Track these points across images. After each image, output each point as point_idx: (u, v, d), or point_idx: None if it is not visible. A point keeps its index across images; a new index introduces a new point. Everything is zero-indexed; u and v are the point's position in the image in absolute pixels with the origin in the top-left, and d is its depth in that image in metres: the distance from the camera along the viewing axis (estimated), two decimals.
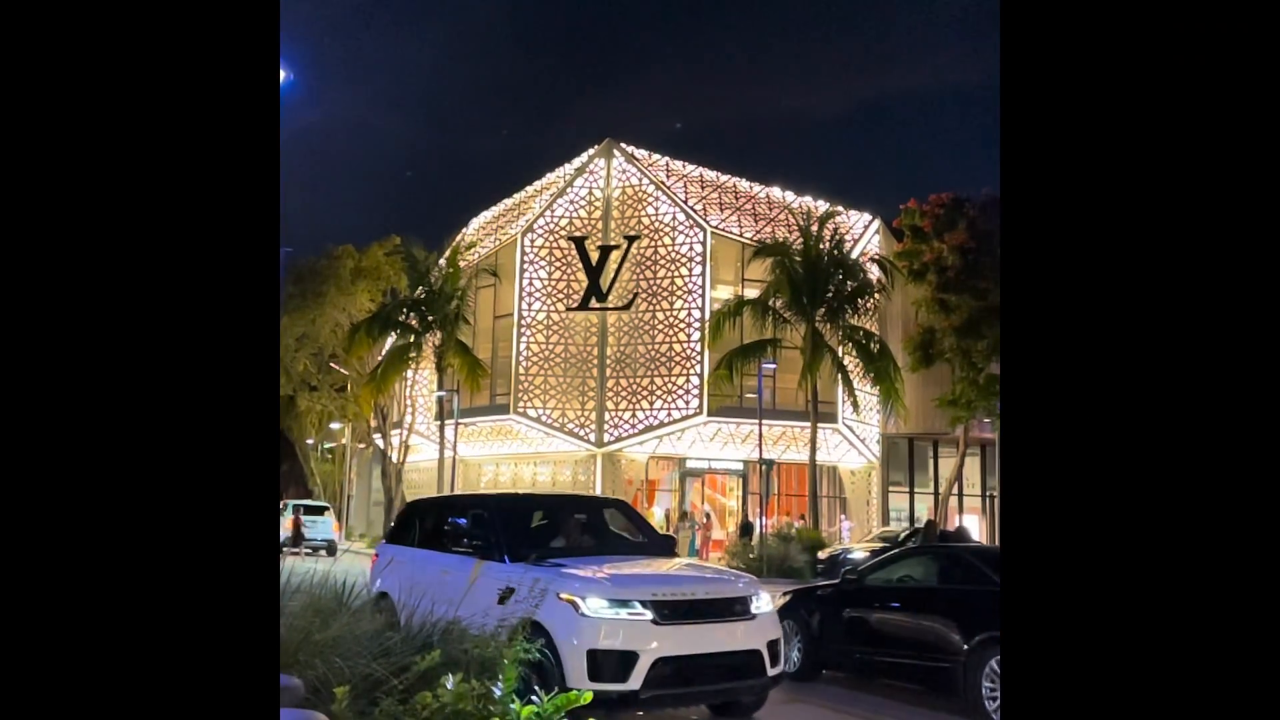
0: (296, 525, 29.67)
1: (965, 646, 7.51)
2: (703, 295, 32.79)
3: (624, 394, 33.30)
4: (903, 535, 22.07)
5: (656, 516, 31.10)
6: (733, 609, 6.57)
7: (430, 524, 9.00)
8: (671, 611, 6.24)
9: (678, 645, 6.19)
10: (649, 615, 6.15)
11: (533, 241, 34.69)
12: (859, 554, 20.14)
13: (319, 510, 33.39)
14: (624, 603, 6.19)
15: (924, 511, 37.48)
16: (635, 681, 6.00)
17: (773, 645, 6.62)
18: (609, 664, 6.03)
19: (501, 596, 6.55)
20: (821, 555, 21.96)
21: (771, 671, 6.58)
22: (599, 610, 6.14)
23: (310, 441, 43.97)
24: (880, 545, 20.87)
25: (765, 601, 6.78)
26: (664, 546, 8.50)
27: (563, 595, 6.23)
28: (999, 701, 7.13)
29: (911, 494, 38.06)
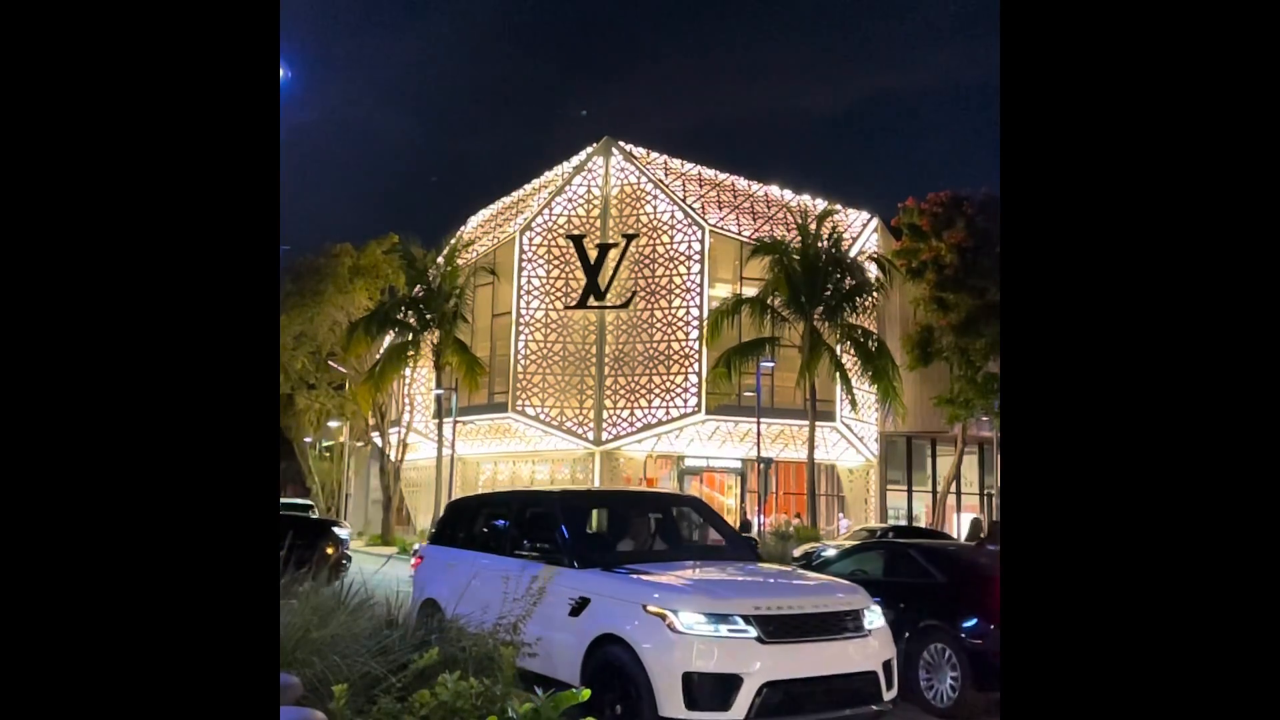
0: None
1: (905, 635, 7.78)
2: (701, 293, 32.83)
3: (622, 392, 33.31)
4: (880, 532, 22.05)
5: None
6: (845, 624, 5.74)
7: (482, 524, 8.18)
8: (778, 628, 5.42)
9: (786, 667, 5.37)
10: (753, 632, 5.33)
11: (531, 240, 34.69)
12: (832, 551, 20.19)
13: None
14: (723, 617, 5.37)
15: (923, 509, 37.58)
16: (739, 710, 5.21)
17: (888, 666, 5.85)
18: (708, 689, 5.23)
19: (574, 607, 5.87)
20: (796, 553, 22.04)
21: (887, 696, 5.78)
22: (695, 626, 5.32)
23: (308, 440, 43.94)
24: (857, 543, 20.85)
25: (878, 615, 6.02)
26: (746, 550, 7.52)
27: (650, 608, 5.47)
28: (931, 685, 7.69)
29: (910, 492, 38.11)
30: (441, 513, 9.29)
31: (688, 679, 5.23)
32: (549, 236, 34.75)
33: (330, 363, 38.91)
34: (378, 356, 33.25)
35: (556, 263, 34.46)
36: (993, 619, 7.28)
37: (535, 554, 6.62)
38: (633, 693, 5.36)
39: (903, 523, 33.79)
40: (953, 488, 34.10)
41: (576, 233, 34.39)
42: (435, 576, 7.60)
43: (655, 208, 34.43)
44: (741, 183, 37.70)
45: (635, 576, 5.95)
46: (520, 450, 35.96)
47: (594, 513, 7.83)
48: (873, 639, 5.81)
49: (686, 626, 5.32)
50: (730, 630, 5.34)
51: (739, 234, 33.89)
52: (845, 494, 37.30)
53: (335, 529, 15.36)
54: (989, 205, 28.20)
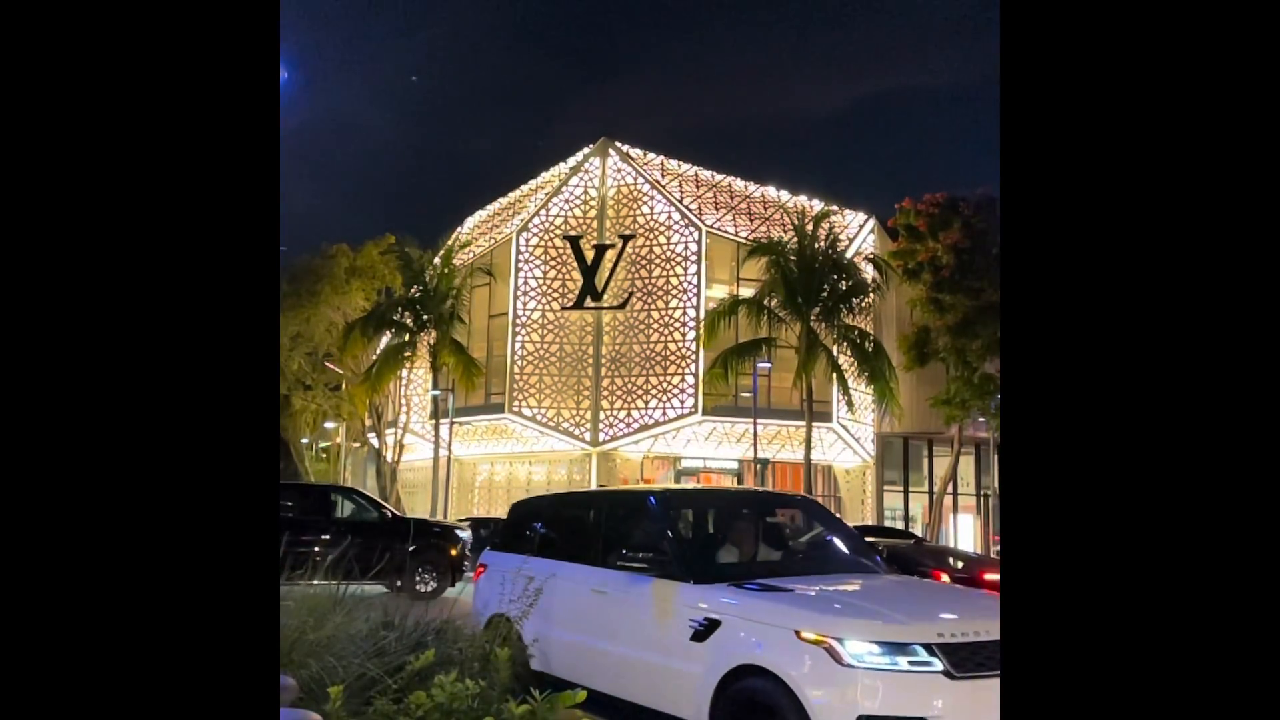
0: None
1: None
2: (698, 294, 32.87)
3: (619, 393, 33.33)
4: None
5: None
6: None
7: (562, 528, 7.12)
8: (965, 659, 4.47)
9: (978, 708, 4.34)
10: (938, 665, 4.41)
11: (528, 240, 34.70)
12: None
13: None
14: (902, 647, 4.45)
15: (919, 510, 37.61)
16: None
17: None
18: None
19: (699, 631, 5.03)
20: None
21: None
22: (867, 657, 4.43)
23: (305, 440, 43.89)
24: None
25: None
26: (876, 561, 6.44)
27: (806, 634, 4.56)
28: None
29: (906, 493, 38.14)
30: (507, 514, 8.10)
31: None
32: (546, 237, 34.76)
33: (327, 363, 38.87)
34: (374, 357, 33.20)
35: (553, 264, 34.47)
36: None
37: (641, 565, 5.66)
38: None
39: (899, 524, 33.85)
40: (949, 488, 34.14)
41: (573, 234, 34.40)
42: (507, 590, 6.43)
43: (652, 208, 34.45)
44: (738, 183, 37.73)
45: (777, 593, 5.04)
46: (517, 451, 35.95)
47: (690, 515, 6.89)
48: None
49: (856, 658, 4.43)
50: (911, 663, 4.44)
51: (736, 235, 33.93)
52: (842, 495, 37.32)
53: (457, 531, 16.40)
54: (985, 206, 28.25)
